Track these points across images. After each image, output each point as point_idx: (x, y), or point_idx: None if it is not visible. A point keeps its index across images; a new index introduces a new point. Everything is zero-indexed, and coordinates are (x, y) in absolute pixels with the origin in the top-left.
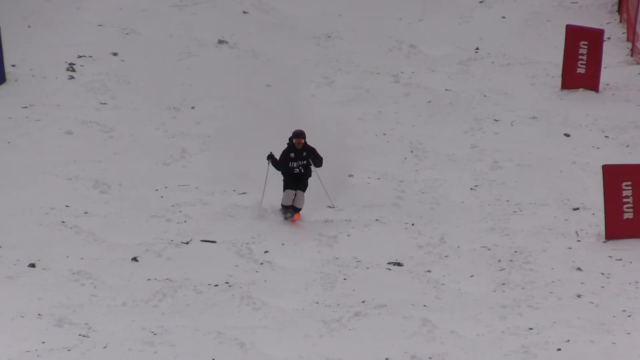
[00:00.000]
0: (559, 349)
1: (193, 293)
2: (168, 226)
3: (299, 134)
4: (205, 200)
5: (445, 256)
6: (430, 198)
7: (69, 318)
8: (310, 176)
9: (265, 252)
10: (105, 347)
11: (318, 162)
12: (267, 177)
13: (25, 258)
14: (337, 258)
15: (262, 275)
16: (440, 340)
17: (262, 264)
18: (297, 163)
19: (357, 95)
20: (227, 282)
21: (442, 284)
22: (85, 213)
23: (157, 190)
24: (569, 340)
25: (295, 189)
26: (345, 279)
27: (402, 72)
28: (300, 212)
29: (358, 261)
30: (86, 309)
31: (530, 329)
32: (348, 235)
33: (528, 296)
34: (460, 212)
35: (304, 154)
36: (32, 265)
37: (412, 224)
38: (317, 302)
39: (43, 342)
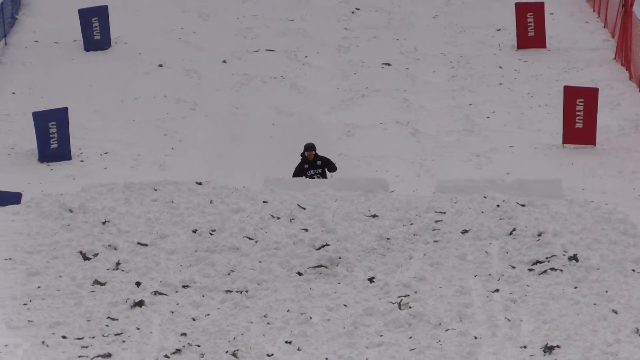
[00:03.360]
0: (488, 117)
1: (260, 83)
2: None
3: (309, 147)
4: None
5: (417, 59)
6: (408, 23)
7: None
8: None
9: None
10: None
11: (332, 167)
12: None
13: None
14: (350, 60)
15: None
16: (414, 111)
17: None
18: (313, 171)
19: None
20: (282, 76)
21: (415, 77)
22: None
23: None
24: (494, 112)
25: None
26: (355, 73)
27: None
28: None
29: (363, 62)
30: None
31: (470, 104)
32: (357, 46)
33: (468, 84)
34: (427, 32)
35: (318, 162)
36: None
37: (397, 39)
38: (338, 88)
39: None
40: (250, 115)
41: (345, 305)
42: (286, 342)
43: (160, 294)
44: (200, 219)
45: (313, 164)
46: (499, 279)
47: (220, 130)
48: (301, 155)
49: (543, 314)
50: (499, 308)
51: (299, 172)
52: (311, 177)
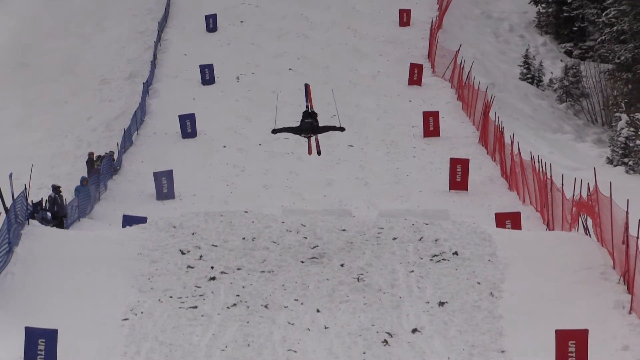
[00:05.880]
0: (407, 175)
1: (279, 156)
2: None
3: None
4: None
5: (367, 143)
6: (362, 123)
7: None
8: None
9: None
10: None
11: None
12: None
13: None
14: (329, 144)
15: None
16: (366, 172)
17: None
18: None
19: None
20: (292, 152)
21: (366, 152)
22: None
23: None
24: (410, 172)
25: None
26: (332, 151)
27: None
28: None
29: (337, 145)
30: None
31: (397, 168)
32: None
33: (396, 157)
34: (373, 127)
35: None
36: None
37: (356, 132)
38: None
39: None
40: (276, 174)
41: (327, 279)
42: (294, 299)
43: (224, 273)
44: (246, 231)
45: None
46: (413, 265)
47: (257, 181)
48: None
49: (438, 284)
50: (413, 281)
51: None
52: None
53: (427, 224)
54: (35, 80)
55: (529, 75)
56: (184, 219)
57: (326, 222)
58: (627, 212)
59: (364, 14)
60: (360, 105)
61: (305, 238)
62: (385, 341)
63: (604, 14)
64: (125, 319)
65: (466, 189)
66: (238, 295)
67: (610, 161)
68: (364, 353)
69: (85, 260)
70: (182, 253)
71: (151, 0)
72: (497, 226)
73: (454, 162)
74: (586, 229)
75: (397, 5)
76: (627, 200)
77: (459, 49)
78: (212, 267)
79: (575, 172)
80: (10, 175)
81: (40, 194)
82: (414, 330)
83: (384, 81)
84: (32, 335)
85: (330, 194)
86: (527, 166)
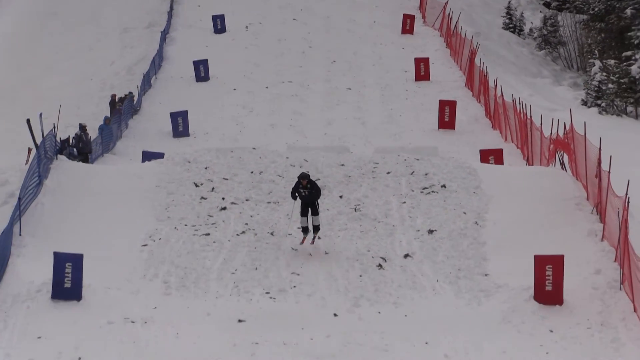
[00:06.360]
0: (400, 115)
1: (285, 99)
2: None
3: (303, 177)
4: None
5: (365, 86)
6: (360, 68)
7: None
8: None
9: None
10: None
11: (317, 194)
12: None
13: None
14: (330, 87)
15: None
16: (362, 112)
17: None
18: (304, 191)
19: None
20: (296, 94)
21: (364, 95)
22: None
23: None
24: (403, 113)
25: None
26: (333, 94)
27: None
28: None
29: (337, 88)
30: None
31: (391, 109)
32: (334, 79)
33: (390, 99)
34: (369, 72)
35: (308, 186)
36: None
37: (354, 77)
38: (324, 101)
39: None
40: (281, 114)
41: (327, 210)
42: (297, 227)
43: (234, 203)
44: (254, 166)
45: (305, 187)
46: (405, 197)
47: (264, 121)
48: (298, 177)
49: (428, 214)
50: (405, 211)
51: (296, 189)
52: (303, 194)
53: (418, 160)
54: (63, 28)
55: (511, 25)
56: (198, 154)
57: (326, 157)
58: (599, 149)
59: None
60: (358, 52)
61: (308, 172)
62: (380, 265)
63: None
64: (145, 245)
65: (453, 128)
66: (246, 224)
67: (584, 103)
68: (360, 276)
69: (108, 192)
70: (196, 185)
71: None
72: (481, 161)
73: (442, 103)
74: (562, 164)
75: None
76: (600, 138)
77: (447, 1)
78: (223, 198)
79: (552, 112)
80: (40, 115)
81: (67, 132)
82: (406, 256)
83: (380, 30)
84: (60, 260)
85: (330, 132)
86: (509, 107)
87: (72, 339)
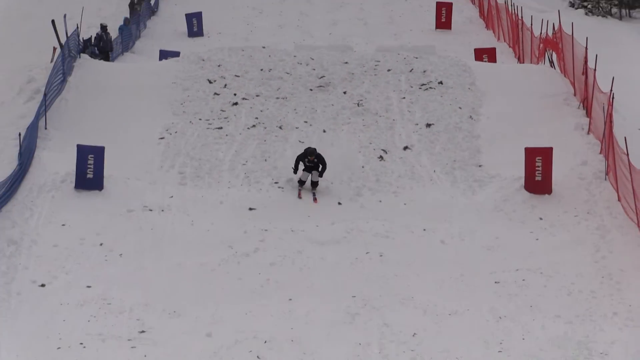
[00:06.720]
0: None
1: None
2: None
3: (311, 152)
4: None
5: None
6: None
7: None
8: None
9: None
10: None
11: (323, 168)
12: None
13: None
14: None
15: None
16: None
17: None
18: (309, 163)
19: None
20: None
21: None
22: None
23: None
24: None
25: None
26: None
27: None
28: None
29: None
30: None
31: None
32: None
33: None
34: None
35: (315, 160)
36: None
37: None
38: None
39: None
40: (289, 15)
41: (332, 105)
42: (304, 121)
43: (245, 99)
44: (264, 64)
45: (311, 161)
46: (405, 92)
47: (273, 21)
48: (305, 151)
49: (425, 109)
50: (404, 106)
51: (300, 159)
52: (307, 163)
53: (416, 58)
54: None
55: None
56: (211, 53)
57: (331, 56)
58: (586, 48)
59: None
60: None
61: (314, 69)
62: (381, 157)
63: None
64: (162, 138)
65: (450, 28)
66: (257, 118)
67: (572, 4)
68: (362, 167)
69: (128, 88)
70: (210, 82)
71: None
72: (475, 59)
73: (439, 5)
74: (551, 62)
75: None
76: (586, 38)
77: None
78: (234, 94)
79: (542, 14)
80: (64, 16)
81: (89, 32)
82: (405, 148)
83: None
84: (83, 152)
85: (335, 32)
86: (501, 9)
87: (94, 226)
